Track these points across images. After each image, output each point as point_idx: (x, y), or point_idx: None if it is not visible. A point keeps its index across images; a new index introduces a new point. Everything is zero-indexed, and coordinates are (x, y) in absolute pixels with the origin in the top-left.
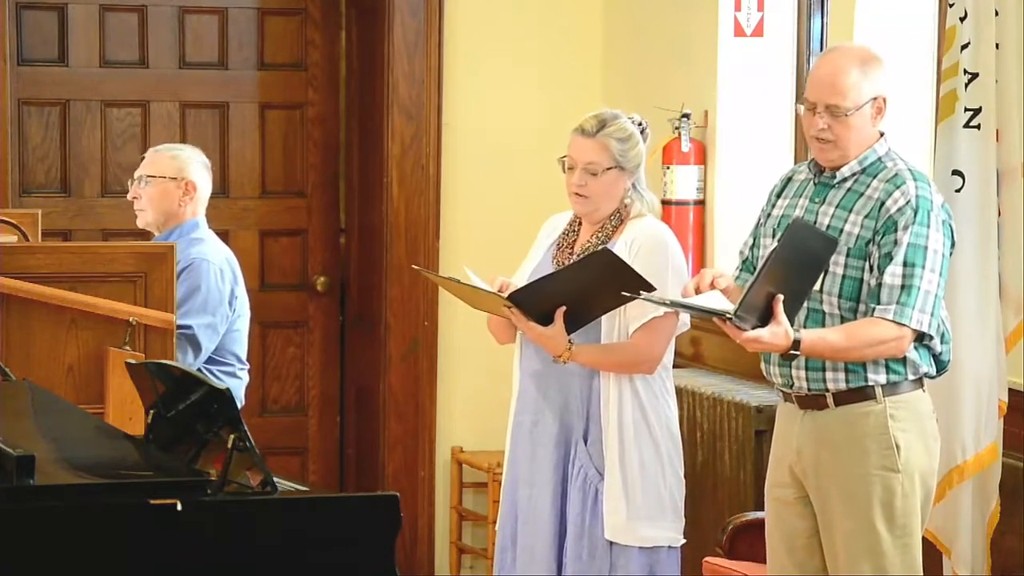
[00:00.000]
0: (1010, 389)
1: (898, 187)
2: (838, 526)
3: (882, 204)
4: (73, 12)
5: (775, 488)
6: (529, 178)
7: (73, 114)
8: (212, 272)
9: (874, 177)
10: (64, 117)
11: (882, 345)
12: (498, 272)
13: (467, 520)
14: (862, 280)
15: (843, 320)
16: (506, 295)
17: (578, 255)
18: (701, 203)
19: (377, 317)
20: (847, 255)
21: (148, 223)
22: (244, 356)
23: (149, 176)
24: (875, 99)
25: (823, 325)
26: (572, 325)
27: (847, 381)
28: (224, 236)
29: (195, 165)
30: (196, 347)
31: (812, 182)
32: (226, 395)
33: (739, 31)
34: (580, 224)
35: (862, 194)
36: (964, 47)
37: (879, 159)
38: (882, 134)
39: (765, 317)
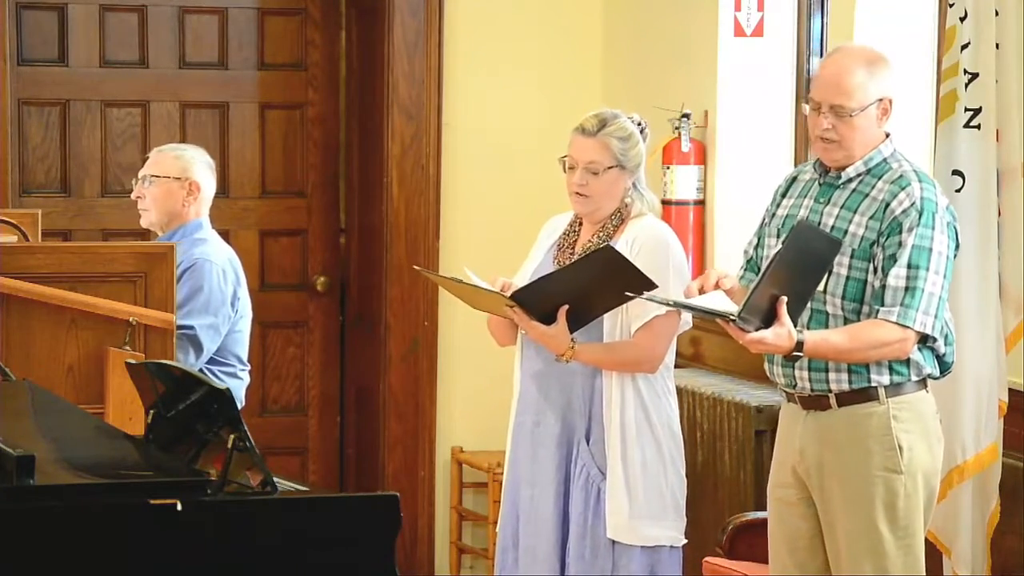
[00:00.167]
0: (1010, 389)
1: (903, 188)
2: (840, 526)
3: (887, 205)
4: (73, 12)
5: (777, 488)
6: (529, 178)
7: (73, 114)
8: (215, 273)
9: (879, 178)
10: (64, 117)
11: (885, 347)
12: (499, 272)
13: (467, 520)
14: (866, 281)
15: (847, 321)
16: (508, 295)
17: (579, 255)
18: (701, 203)
19: (377, 317)
20: (851, 256)
21: (152, 223)
22: (245, 357)
23: (153, 176)
24: (881, 100)
25: (826, 326)
26: (574, 324)
27: (850, 382)
28: (224, 236)
29: (199, 165)
30: (198, 348)
31: (817, 182)
32: (226, 395)
33: (739, 31)
34: (581, 224)
35: (867, 195)
36: (964, 47)
37: (884, 160)
38: (888, 135)
39: (769, 319)
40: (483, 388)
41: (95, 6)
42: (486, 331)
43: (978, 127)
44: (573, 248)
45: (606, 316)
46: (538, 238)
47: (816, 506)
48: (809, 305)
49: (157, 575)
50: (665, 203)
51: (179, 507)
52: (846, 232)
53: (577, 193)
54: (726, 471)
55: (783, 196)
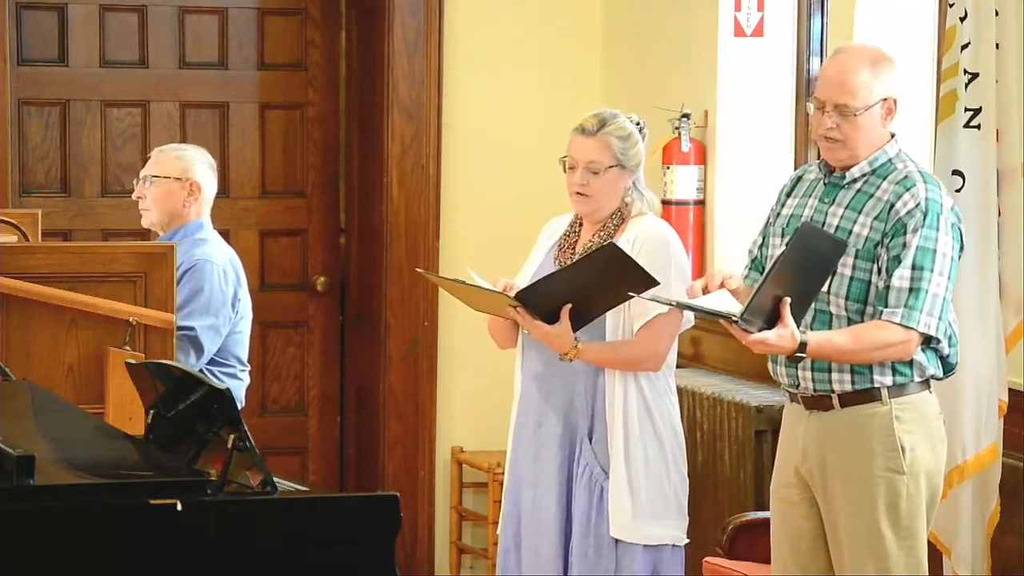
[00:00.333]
0: (1010, 389)
1: (908, 189)
2: (843, 527)
3: (891, 206)
4: (73, 12)
5: (781, 489)
6: (529, 178)
7: (73, 114)
8: (215, 273)
9: (884, 179)
10: (64, 117)
11: (889, 348)
12: (500, 273)
13: (467, 520)
14: (870, 282)
15: (850, 322)
16: (512, 295)
17: (580, 255)
18: (701, 203)
19: (377, 317)
20: (855, 257)
21: (153, 223)
22: (245, 358)
23: (154, 176)
24: (885, 100)
25: (830, 327)
26: (576, 323)
27: (853, 382)
28: (224, 236)
29: (200, 166)
30: (198, 349)
31: (822, 182)
32: (226, 395)
33: (739, 31)
34: (581, 225)
35: (872, 195)
36: (964, 47)
37: (889, 160)
38: (893, 135)
39: (772, 319)
40: (483, 388)
41: (95, 6)
42: (486, 331)
43: (978, 127)
44: (574, 248)
45: (608, 315)
46: (538, 239)
47: (819, 506)
48: (813, 306)
49: (157, 575)
50: (665, 203)
51: (179, 507)
52: (850, 232)
53: (578, 193)
54: (726, 471)
55: (788, 195)
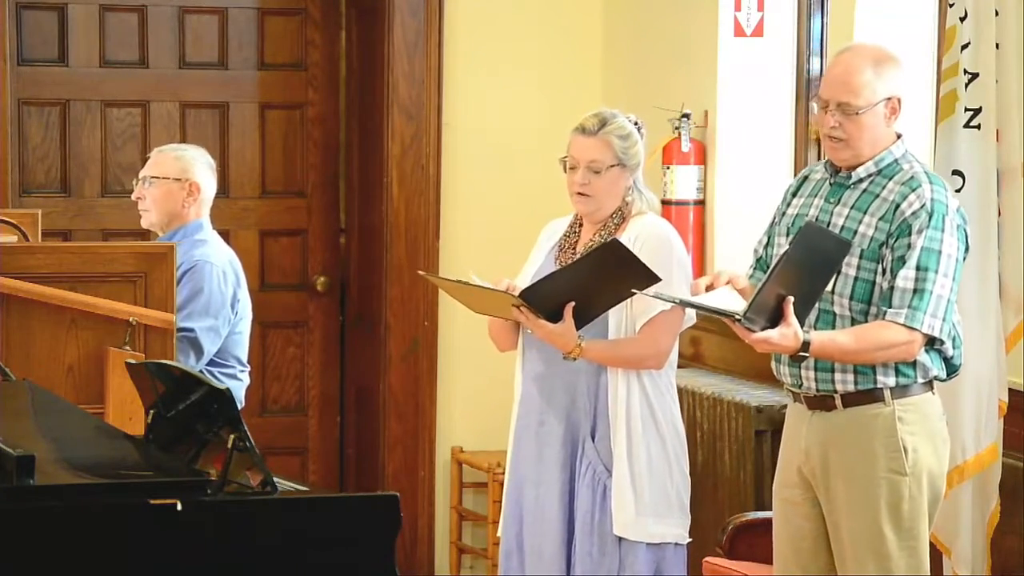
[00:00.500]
0: (1010, 389)
1: (913, 190)
2: (845, 527)
3: (897, 207)
4: (73, 12)
5: (783, 489)
6: (529, 178)
7: (73, 114)
8: (215, 274)
9: (890, 179)
10: (64, 117)
11: (892, 349)
12: (500, 274)
13: (467, 520)
14: (874, 283)
15: (854, 322)
16: (516, 294)
17: (582, 253)
18: (701, 203)
19: (377, 317)
20: (860, 257)
21: (152, 224)
22: (245, 358)
23: (153, 177)
24: (889, 99)
25: (833, 327)
26: (579, 321)
27: (856, 383)
28: (224, 236)
29: (199, 166)
30: (198, 350)
31: (828, 182)
32: (226, 395)
33: (739, 31)
34: (581, 226)
35: (877, 196)
36: (964, 47)
37: (895, 161)
38: (899, 136)
39: (775, 318)
40: (483, 388)
41: (95, 6)
42: (486, 331)
43: (978, 127)
44: (574, 249)
45: (611, 313)
46: (538, 241)
47: (821, 507)
48: (817, 305)
49: (157, 575)
50: (665, 203)
51: (179, 507)
52: (855, 232)
53: (579, 193)
54: (726, 471)
55: (794, 195)
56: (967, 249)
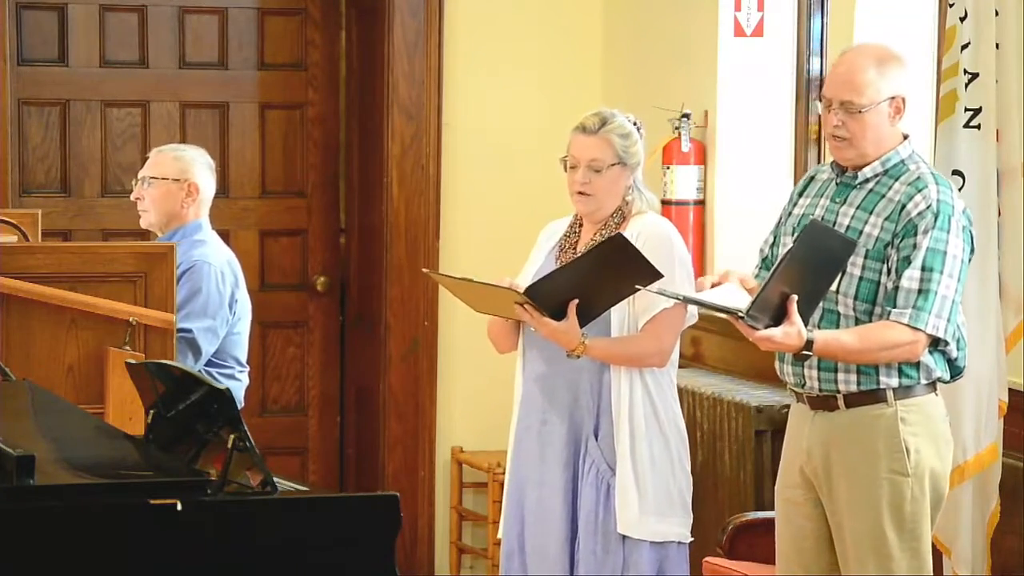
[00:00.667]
0: (1010, 389)
1: (920, 191)
2: (847, 527)
3: (903, 207)
4: (73, 12)
5: (785, 489)
6: (529, 178)
7: (73, 114)
8: (213, 275)
9: (896, 179)
10: (64, 117)
11: (896, 349)
12: (501, 274)
13: (467, 520)
14: (879, 283)
15: (858, 322)
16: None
17: (585, 250)
18: (701, 203)
19: (377, 317)
20: (865, 257)
21: (151, 224)
22: (244, 359)
23: (152, 177)
24: (893, 98)
25: (838, 326)
26: (582, 319)
27: (859, 383)
28: (224, 236)
29: (198, 167)
30: (196, 351)
31: (834, 182)
32: (226, 395)
33: (739, 31)
34: (581, 226)
35: (883, 196)
36: (964, 47)
37: (902, 161)
38: (906, 137)
39: (779, 316)
40: (483, 388)
41: (95, 6)
42: (486, 329)
43: (978, 127)
44: (575, 249)
45: (613, 311)
46: (537, 242)
47: (823, 507)
48: (821, 304)
49: (157, 575)
50: (665, 203)
51: (179, 507)
52: (861, 232)
53: (580, 192)
54: (726, 471)
55: (800, 195)
56: (972, 251)
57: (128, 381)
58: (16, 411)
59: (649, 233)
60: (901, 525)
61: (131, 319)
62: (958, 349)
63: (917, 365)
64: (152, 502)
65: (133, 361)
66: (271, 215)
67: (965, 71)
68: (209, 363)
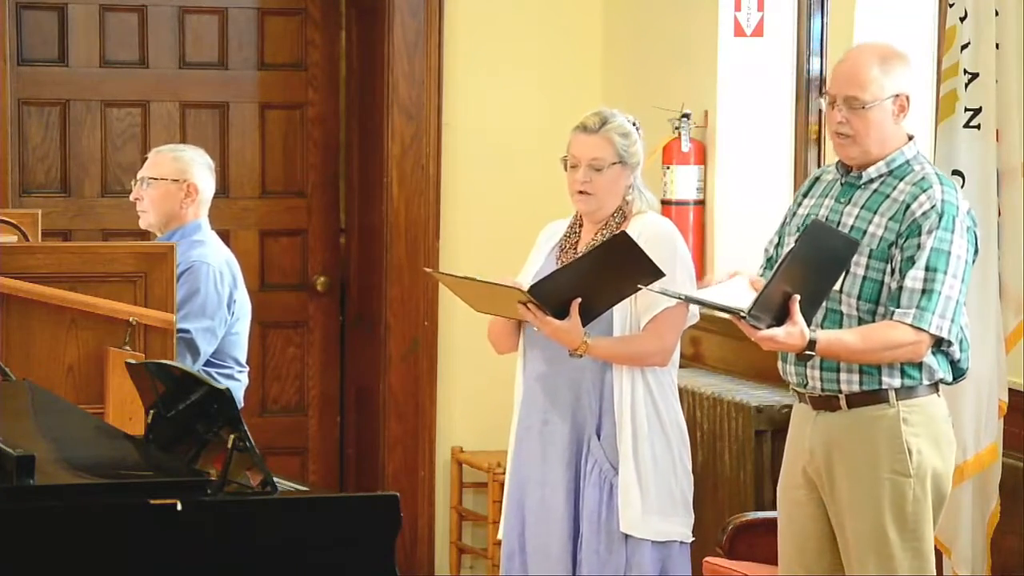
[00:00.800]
0: (1010, 389)
1: (924, 191)
2: (849, 527)
3: (907, 207)
4: (73, 12)
5: (788, 489)
6: (529, 178)
7: (73, 114)
8: (211, 275)
9: (901, 180)
10: (64, 117)
11: (899, 349)
12: (501, 274)
13: (467, 520)
14: (883, 283)
15: (861, 322)
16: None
17: (586, 249)
18: (701, 203)
19: (377, 317)
20: (869, 256)
21: (150, 224)
22: (243, 359)
23: (151, 178)
24: (897, 96)
25: (840, 326)
26: (584, 318)
27: (861, 383)
28: (224, 236)
29: (197, 167)
30: (194, 351)
31: (839, 182)
32: (226, 395)
33: (739, 31)
34: (581, 226)
35: (888, 196)
36: (964, 47)
37: (907, 162)
38: (911, 137)
39: (781, 316)
40: (483, 388)
41: (95, 6)
42: (486, 329)
43: (978, 127)
44: (575, 249)
45: (615, 311)
46: (536, 243)
47: (826, 507)
48: (824, 304)
49: (157, 575)
50: (665, 203)
51: (179, 507)
52: (865, 232)
53: (581, 192)
54: (726, 471)
55: (805, 196)
56: (976, 251)
57: (128, 381)
58: (16, 411)
59: (651, 232)
60: (903, 525)
61: (131, 319)
62: (961, 351)
63: (920, 366)
64: (152, 502)
65: (133, 361)
66: (271, 215)
67: (965, 71)
68: (208, 363)
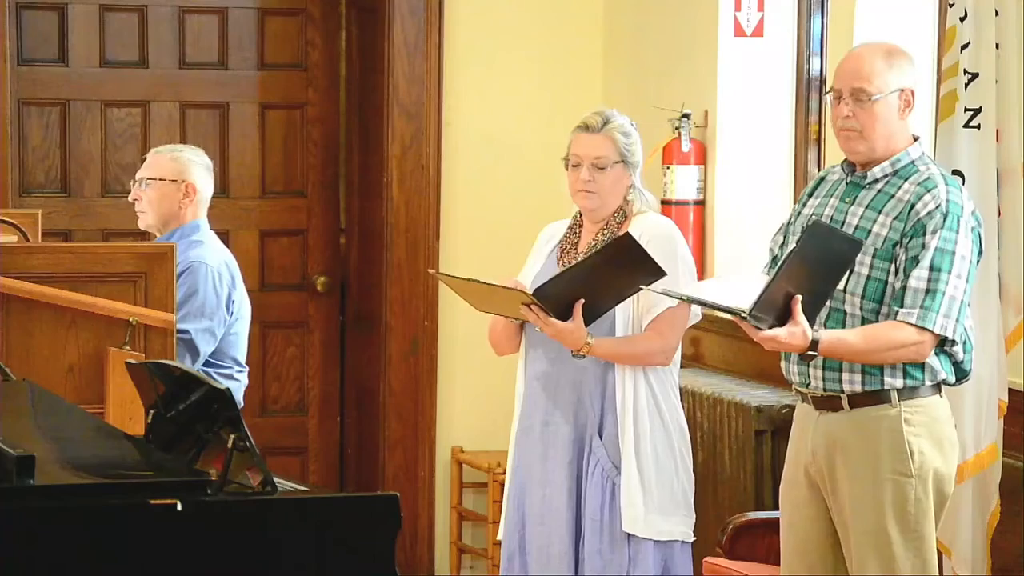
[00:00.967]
0: (1010, 389)
1: (929, 191)
2: (851, 528)
3: (912, 207)
4: (73, 12)
5: (790, 489)
6: (529, 178)
7: (73, 114)
8: (210, 275)
9: (906, 179)
10: (64, 117)
11: (903, 349)
12: (501, 274)
13: (467, 520)
14: (887, 282)
15: (864, 321)
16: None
17: (584, 254)
18: (701, 203)
19: (377, 317)
20: (873, 256)
21: (149, 225)
22: (243, 359)
23: (149, 179)
24: (902, 91)
25: (844, 325)
26: (586, 319)
27: (863, 384)
28: (224, 236)
29: (196, 167)
30: (194, 352)
31: (844, 182)
32: (226, 395)
33: (739, 31)
34: (581, 226)
35: (892, 196)
36: (964, 47)
37: (912, 162)
38: (917, 138)
39: (783, 316)
40: (483, 388)
41: (95, 6)
42: (486, 331)
43: (978, 127)
44: (576, 249)
45: (618, 310)
46: (535, 245)
47: (828, 507)
48: (828, 304)
49: (157, 575)
50: (665, 203)
51: (179, 507)
52: (869, 232)
53: (583, 191)
54: (726, 471)
55: (810, 196)
56: (980, 252)
57: (128, 381)
58: (16, 411)
59: (652, 233)
60: (905, 526)
61: (131, 319)
62: (964, 351)
63: (922, 367)
64: (152, 502)
65: (133, 361)
66: (271, 215)
67: (965, 71)
68: (207, 363)
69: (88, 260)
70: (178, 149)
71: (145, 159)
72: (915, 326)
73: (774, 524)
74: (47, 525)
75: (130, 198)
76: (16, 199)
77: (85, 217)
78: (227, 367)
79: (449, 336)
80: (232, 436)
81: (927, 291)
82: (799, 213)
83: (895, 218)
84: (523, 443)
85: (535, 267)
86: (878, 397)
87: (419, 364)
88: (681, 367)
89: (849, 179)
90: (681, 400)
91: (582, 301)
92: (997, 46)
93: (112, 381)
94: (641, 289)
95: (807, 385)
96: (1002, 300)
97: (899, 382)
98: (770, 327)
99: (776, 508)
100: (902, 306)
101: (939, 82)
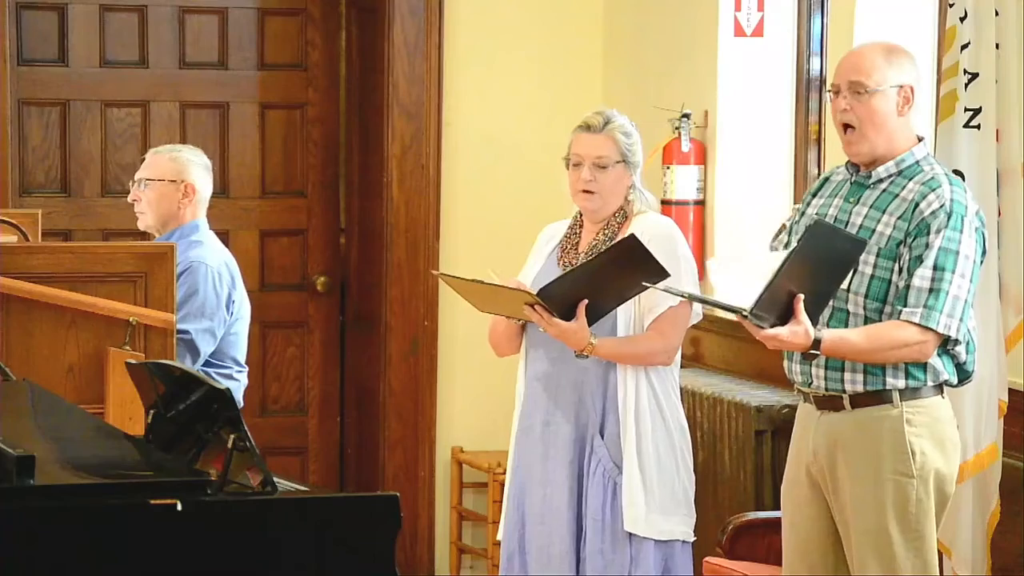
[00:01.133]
0: (1010, 389)
1: (933, 190)
2: (852, 528)
3: (916, 206)
4: (73, 12)
5: (792, 488)
6: (529, 178)
7: (73, 114)
8: (210, 276)
9: (910, 179)
10: (64, 117)
11: (905, 348)
12: (501, 274)
13: (467, 520)
14: (890, 281)
15: (867, 320)
16: (533, 292)
17: (585, 254)
18: (701, 203)
19: (377, 317)
20: (877, 255)
21: (148, 225)
22: (243, 359)
23: (148, 179)
24: (901, 87)
25: (846, 325)
26: (589, 319)
27: (865, 383)
28: (224, 236)
29: (195, 167)
30: (194, 352)
31: (848, 182)
32: (226, 395)
33: (739, 31)
34: (581, 226)
35: (896, 195)
36: (964, 47)
37: (916, 163)
38: (921, 139)
39: (785, 315)
40: (483, 388)
41: (95, 6)
42: (486, 331)
43: (978, 127)
44: (577, 249)
45: (620, 310)
46: (535, 245)
47: (829, 507)
48: (831, 303)
49: (157, 575)
50: (665, 203)
51: (179, 507)
52: (873, 231)
53: (585, 191)
54: (726, 471)
55: (814, 196)
56: (984, 252)
57: (128, 381)
58: (16, 411)
59: (653, 232)
60: (906, 526)
61: (131, 319)
62: (967, 352)
63: (924, 367)
64: (152, 502)
65: (133, 361)
66: (271, 215)
67: (965, 71)
68: (207, 363)
69: (88, 260)
70: (177, 149)
71: (144, 159)
72: (918, 325)
73: (774, 524)
74: (47, 525)
75: (129, 199)
76: (16, 199)
77: (85, 217)
78: (227, 367)
79: (449, 336)
80: (232, 436)
81: (931, 290)
82: (803, 213)
83: (899, 217)
84: (523, 443)
85: (535, 267)
86: (880, 397)
87: (419, 364)
88: (681, 367)
89: (853, 179)
90: (681, 400)
91: (586, 301)
92: (997, 46)
93: (112, 381)
94: (645, 289)
95: (809, 384)
96: (1002, 300)
97: (901, 382)
98: (772, 326)
99: (776, 508)
100: (905, 305)
101: (939, 82)
